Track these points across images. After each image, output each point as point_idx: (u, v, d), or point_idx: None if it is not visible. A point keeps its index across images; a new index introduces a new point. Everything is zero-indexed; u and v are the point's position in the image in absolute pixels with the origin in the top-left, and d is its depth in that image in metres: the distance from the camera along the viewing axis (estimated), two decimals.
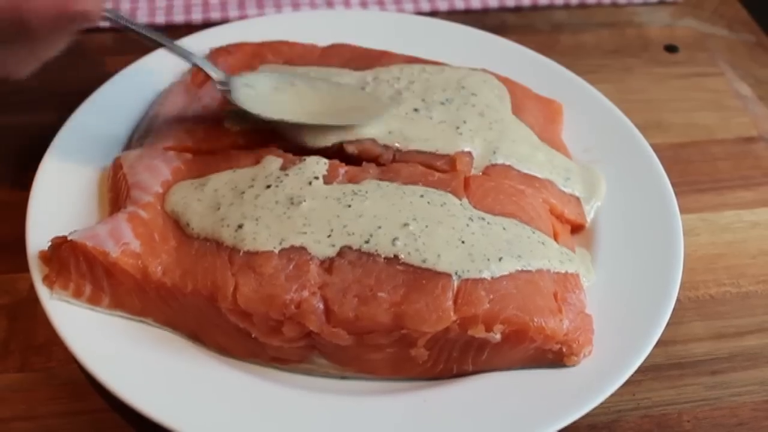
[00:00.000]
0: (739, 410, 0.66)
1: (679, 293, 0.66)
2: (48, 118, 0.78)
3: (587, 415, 0.60)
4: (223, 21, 0.96)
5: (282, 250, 0.62)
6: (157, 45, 0.71)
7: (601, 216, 0.73)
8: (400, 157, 0.70)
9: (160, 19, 0.98)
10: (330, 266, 0.61)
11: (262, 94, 0.72)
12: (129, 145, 0.75)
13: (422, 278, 0.61)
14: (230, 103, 0.72)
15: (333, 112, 0.72)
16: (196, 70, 0.80)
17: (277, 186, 0.66)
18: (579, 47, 0.99)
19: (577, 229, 0.72)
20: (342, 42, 0.82)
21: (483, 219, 0.65)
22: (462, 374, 0.63)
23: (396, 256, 0.61)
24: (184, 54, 0.72)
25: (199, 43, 0.84)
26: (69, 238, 0.62)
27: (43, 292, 0.63)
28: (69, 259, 0.62)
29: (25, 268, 0.64)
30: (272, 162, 0.68)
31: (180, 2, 1.01)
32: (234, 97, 0.71)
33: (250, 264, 0.61)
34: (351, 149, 0.70)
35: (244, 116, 0.72)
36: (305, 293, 0.60)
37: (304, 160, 0.68)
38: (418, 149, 0.71)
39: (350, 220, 0.63)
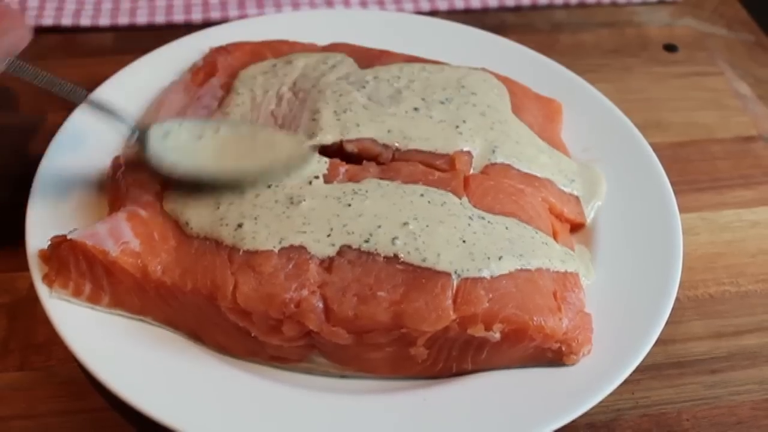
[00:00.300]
0: (738, 409, 0.66)
1: (678, 292, 0.66)
2: (48, 117, 0.78)
3: (586, 413, 0.60)
4: (223, 21, 0.97)
5: (281, 249, 0.62)
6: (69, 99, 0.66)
7: (600, 215, 0.73)
8: (400, 156, 0.70)
9: (160, 18, 0.99)
10: (330, 265, 0.61)
11: (179, 145, 0.69)
12: (128, 144, 0.75)
13: (422, 277, 0.61)
14: (143, 160, 0.67)
15: (250, 159, 0.69)
16: (197, 69, 0.80)
17: (276, 185, 0.66)
18: (578, 47, 0.99)
19: (576, 228, 0.73)
20: (342, 41, 0.82)
21: (483, 218, 0.65)
22: (461, 373, 0.63)
23: (396, 255, 0.61)
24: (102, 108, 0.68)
25: (199, 43, 0.84)
26: (68, 237, 0.62)
27: (42, 291, 0.63)
28: (69, 258, 0.62)
29: (24, 267, 0.64)
30: None
31: (180, 2, 1.01)
32: (148, 152, 0.67)
33: (250, 263, 0.61)
34: (351, 148, 0.70)
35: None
36: (305, 292, 0.60)
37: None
38: (418, 148, 0.71)
39: (350, 220, 0.63)
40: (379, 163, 0.69)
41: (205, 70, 0.80)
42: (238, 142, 0.70)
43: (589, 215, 0.73)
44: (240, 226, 0.63)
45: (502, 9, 1.04)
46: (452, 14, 1.01)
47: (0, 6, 0.53)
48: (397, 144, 0.71)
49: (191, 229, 0.64)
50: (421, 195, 0.66)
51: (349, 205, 0.64)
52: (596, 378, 0.61)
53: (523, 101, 0.78)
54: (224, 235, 0.63)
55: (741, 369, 0.69)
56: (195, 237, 0.63)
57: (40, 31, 0.96)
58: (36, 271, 0.64)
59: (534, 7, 1.04)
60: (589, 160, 0.77)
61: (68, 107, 0.76)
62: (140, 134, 0.68)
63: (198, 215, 0.64)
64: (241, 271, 0.61)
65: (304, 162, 0.68)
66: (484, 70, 0.79)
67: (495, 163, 0.70)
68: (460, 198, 0.66)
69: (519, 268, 0.62)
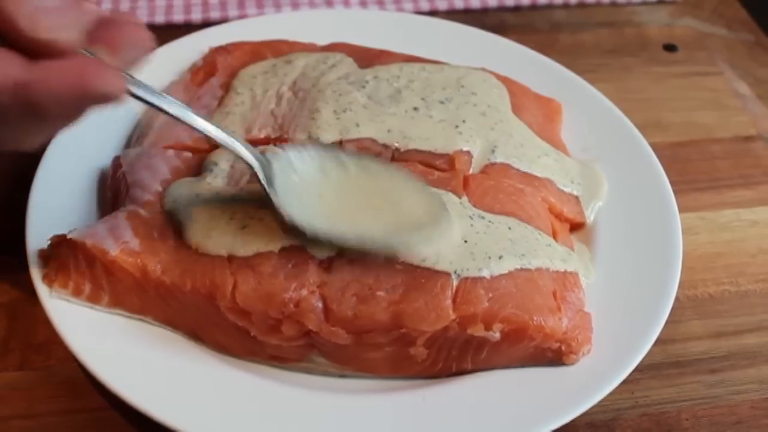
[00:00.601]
0: (738, 408, 0.66)
1: (677, 292, 0.66)
2: None
3: (586, 413, 0.60)
4: (223, 20, 0.97)
5: (281, 249, 0.62)
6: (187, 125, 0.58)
7: (599, 215, 0.73)
8: (400, 156, 0.70)
9: (160, 18, 0.99)
10: (329, 265, 0.61)
11: (306, 182, 0.61)
12: (129, 144, 0.75)
13: (421, 277, 0.60)
14: (266, 199, 0.60)
15: (378, 215, 0.61)
16: (197, 69, 0.80)
17: None
18: (578, 46, 0.99)
19: (576, 227, 0.73)
20: (341, 41, 0.82)
21: (483, 218, 0.65)
22: (461, 373, 0.63)
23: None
24: (223, 141, 0.59)
25: (198, 43, 0.84)
26: (68, 237, 0.62)
27: (42, 290, 0.63)
28: (68, 258, 0.62)
29: (24, 266, 0.64)
30: None
31: (179, 2, 1.01)
32: (272, 194, 0.59)
33: (249, 263, 0.61)
34: (350, 147, 0.70)
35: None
36: (304, 292, 0.60)
37: None
38: (418, 148, 0.71)
39: None
40: None
41: (204, 70, 0.80)
42: (364, 188, 0.62)
43: (590, 216, 0.73)
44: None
45: (502, 9, 1.04)
46: (452, 14, 1.01)
47: (119, 15, 0.49)
48: (396, 144, 0.71)
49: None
50: None
51: None
52: (596, 377, 0.61)
53: (523, 101, 0.78)
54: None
55: (740, 368, 0.69)
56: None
57: None
58: (36, 270, 0.64)
59: (533, 7, 1.04)
60: (589, 160, 0.77)
61: None
62: (264, 168, 0.60)
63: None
64: (241, 270, 0.61)
65: (440, 228, 0.61)
66: (483, 69, 0.79)
67: (495, 163, 0.70)
68: (459, 197, 0.66)
69: (519, 267, 0.62)
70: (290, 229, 0.60)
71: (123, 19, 0.49)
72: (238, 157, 0.60)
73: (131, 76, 0.51)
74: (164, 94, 0.55)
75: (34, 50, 0.45)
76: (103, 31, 0.47)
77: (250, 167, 0.60)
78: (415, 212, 0.61)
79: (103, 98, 0.47)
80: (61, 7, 0.45)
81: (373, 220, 0.60)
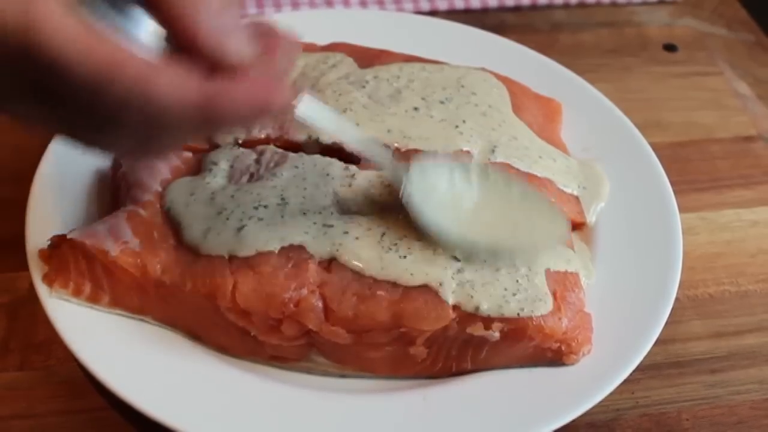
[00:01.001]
0: (738, 409, 0.66)
1: (678, 292, 0.66)
2: None
3: (586, 413, 0.60)
4: None
5: (281, 249, 0.62)
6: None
7: (599, 215, 0.73)
8: (400, 156, 0.70)
9: None
10: (329, 265, 0.61)
11: (436, 191, 0.62)
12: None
13: None
14: (402, 199, 0.61)
15: (502, 226, 0.63)
16: None
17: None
18: (578, 46, 0.99)
19: (576, 227, 0.73)
20: (341, 41, 0.82)
21: None
22: (461, 372, 0.63)
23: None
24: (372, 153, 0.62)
25: None
26: (68, 237, 0.62)
27: (42, 290, 0.63)
28: (68, 258, 0.62)
29: (24, 266, 0.64)
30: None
31: None
32: (408, 197, 0.61)
33: (249, 263, 0.61)
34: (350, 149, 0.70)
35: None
36: (304, 292, 0.60)
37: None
38: (418, 148, 0.71)
39: None
40: None
41: None
42: (496, 201, 0.64)
43: (592, 217, 0.73)
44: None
45: (502, 9, 1.04)
46: (452, 14, 1.01)
47: (266, 24, 0.49)
48: (396, 144, 0.71)
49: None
50: None
51: None
52: (596, 378, 0.61)
53: (523, 101, 0.78)
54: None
55: (741, 369, 0.69)
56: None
57: None
58: (36, 270, 0.64)
59: (533, 7, 1.04)
60: (590, 159, 0.77)
61: None
62: (398, 173, 0.62)
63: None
64: (241, 270, 0.61)
65: (557, 245, 0.64)
66: (483, 69, 0.79)
67: (495, 163, 0.70)
68: None
69: None
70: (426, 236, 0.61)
71: (272, 29, 0.49)
72: (382, 171, 0.64)
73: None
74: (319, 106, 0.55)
75: (212, 65, 0.45)
76: (266, 44, 0.48)
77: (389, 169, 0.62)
78: (542, 228, 0.64)
79: (276, 112, 0.48)
80: (238, 25, 0.46)
81: (504, 231, 0.63)
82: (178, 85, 0.43)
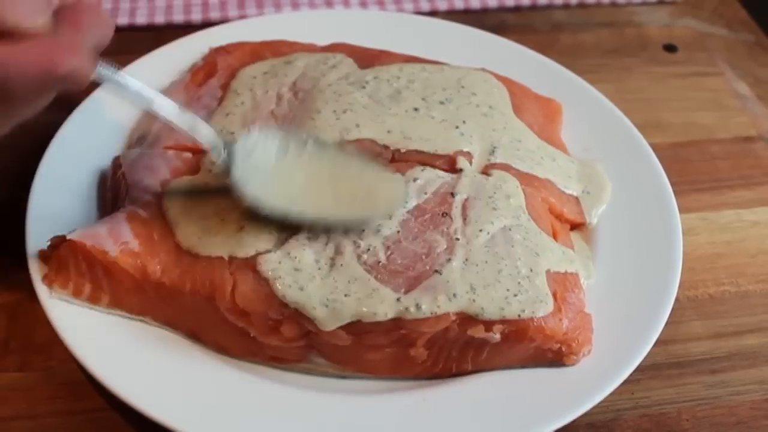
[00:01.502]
0: (738, 409, 0.66)
1: (678, 292, 0.66)
2: (48, 116, 0.78)
3: (586, 414, 0.60)
4: (223, 21, 0.96)
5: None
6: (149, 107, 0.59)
7: (600, 215, 0.73)
8: (400, 156, 0.70)
9: (160, 18, 0.98)
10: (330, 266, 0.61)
11: (264, 166, 0.62)
12: (129, 144, 0.75)
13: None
14: (228, 184, 0.61)
15: (340, 195, 0.63)
16: (197, 69, 0.80)
17: None
18: (578, 47, 0.99)
19: (576, 227, 0.73)
20: (341, 41, 0.82)
21: None
22: (461, 373, 0.63)
23: None
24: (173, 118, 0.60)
25: (198, 44, 0.84)
26: (68, 238, 0.62)
27: (42, 291, 0.63)
28: (68, 259, 0.62)
29: (24, 267, 0.64)
30: None
31: (179, 2, 1.01)
32: (233, 178, 0.61)
33: (249, 263, 0.61)
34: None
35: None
36: None
37: None
38: (418, 149, 0.71)
39: None
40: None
41: (204, 70, 0.80)
42: (325, 169, 0.64)
43: (594, 220, 0.73)
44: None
45: (502, 9, 1.04)
46: (452, 14, 1.01)
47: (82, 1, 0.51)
48: (397, 144, 0.71)
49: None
50: None
51: None
52: (596, 378, 0.61)
53: (523, 101, 0.78)
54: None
55: (741, 369, 0.69)
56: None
57: None
58: (36, 271, 0.64)
59: (533, 8, 1.04)
60: (591, 160, 0.77)
61: (69, 107, 0.76)
62: (226, 151, 0.62)
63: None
64: (240, 271, 0.61)
65: (400, 205, 0.64)
66: (484, 70, 0.79)
67: (495, 164, 0.70)
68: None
69: None
70: (247, 209, 0.62)
71: (85, 3, 0.50)
72: (196, 138, 0.61)
73: (98, 58, 0.52)
74: (127, 75, 0.56)
75: (1, 32, 0.45)
76: (68, 13, 0.48)
77: (212, 145, 0.62)
78: (376, 191, 0.64)
79: (70, 78, 0.48)
80: None
81: (334, 199, 0.63)
82: None
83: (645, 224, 0.71)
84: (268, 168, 0.63)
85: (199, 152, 0.71)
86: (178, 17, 0.99)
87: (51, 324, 0.62)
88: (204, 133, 0.61)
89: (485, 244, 0.63)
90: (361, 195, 0.64)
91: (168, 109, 0.59)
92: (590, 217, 0.72)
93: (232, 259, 0.61)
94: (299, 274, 0.60)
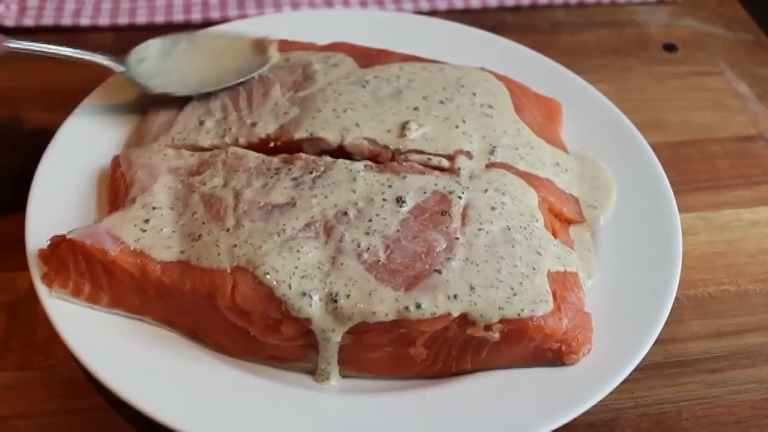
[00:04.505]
0: (738, 408, 0.66)
1: (677, 292, 0.66)
2: (48, 116, 0.78)
3: (586, 413, 0.60)
4: (223, 20, 0.97)
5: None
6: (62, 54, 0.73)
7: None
8: (400, 156, 0.70)
9: (160, 18, 0.99)
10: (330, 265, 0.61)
11: (154, 64, 0.77)
12: (128, 143, 0.75)
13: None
14: (132, 83, 0.75)
15: (216, 71, 0.77)
16: None
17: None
18: (578, 46, 0.99)
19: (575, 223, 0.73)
20: (341, 41, 0.82)
21: None
22: (461, 373, 0.63)
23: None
24: (83, 56, 0.74)
25: None
26: (68, 237, 0.62)
27: (42, 290, 0.63)
28: (68, 258, 0.62)
29: (24, 266, 0.64)
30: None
31: (179, 2, 1.01)
32: (131, 76, 0.75)
33: (249, 263, 0.61)
34: (350, 148, 0.70)
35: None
36: None
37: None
38: (418, 148, 0.71)
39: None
40: (378, 163, 0.70)
41: None
42: (200, 53, 0.79)
43: (599, 224, 0.72)
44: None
45: (502, 9, 1.04)
46: (451, 14, 1.02)
47: None
48: (397, 143, 0.71)
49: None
50: None
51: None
52: (596, 377, 0.61)
53: (523, 101, 0.78)
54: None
55: (740, 368, 0.69)
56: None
57: (40, 31, 0.96)
58: (36, 270, 0.64)
59: (533, 7, 1.04)
60: (592, 159, 0.77)
61: (68, 107, 0.76)
62: (122, 64, 0.76)
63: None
64: (240, 270, 0.61)
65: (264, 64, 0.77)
66: (483, 69, 0.79)
67: (495, 163, 0.70)
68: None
69: None
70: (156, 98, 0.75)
71: None
72: (91, 62, 0.75)
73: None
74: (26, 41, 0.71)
75: None
76: None
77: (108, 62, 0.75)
78: (242, 56, 0.79)
79: None
80: None
81: (214, 74, 0.77)
82: None
83: (645, 223, 0.71)
84: (158, 66, 0.77)
85: (198, 150, 0.71)
86: (178, 17, 0.99)
87: (51, 323, 0.62)
88: (101, 58, 0.76)
89: (485, 243, 0.63)
90: (230, 65, 0.78)
91: (67, 50, 0.74)
92: (596, 224, 0.72)
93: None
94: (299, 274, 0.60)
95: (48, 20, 0.97)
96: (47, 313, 0.62)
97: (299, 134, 0.71)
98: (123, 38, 0.96)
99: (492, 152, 0.71)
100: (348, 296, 0.59)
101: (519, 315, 0.60)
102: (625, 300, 0.66)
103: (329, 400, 0.61)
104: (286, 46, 0.82)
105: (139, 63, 0.77)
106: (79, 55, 0.74)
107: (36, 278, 0.63)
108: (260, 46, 0.80)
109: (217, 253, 0.61)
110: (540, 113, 0.79)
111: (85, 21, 0.98)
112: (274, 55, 0.79)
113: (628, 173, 0.76)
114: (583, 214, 0.73)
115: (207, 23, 0.96)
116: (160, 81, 0.76)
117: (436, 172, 0.68)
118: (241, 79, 0.76)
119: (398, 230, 0.63)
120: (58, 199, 0.70)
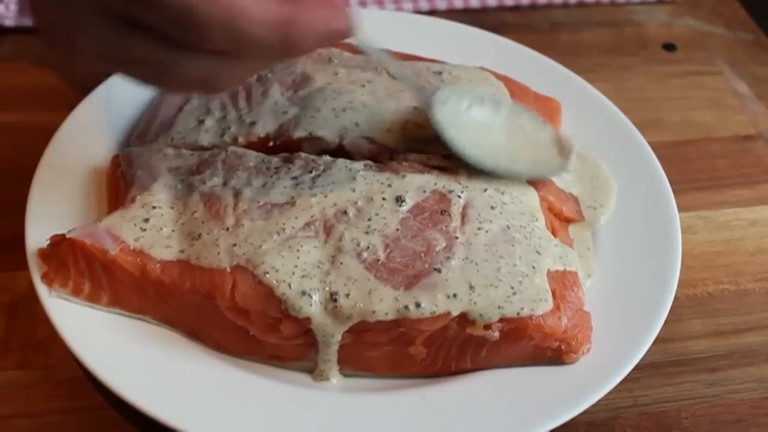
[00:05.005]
0: (738, 407, 0.66)
1: (677, 291, 0.66)
2: (47, 115, 0.78)
3: (586, 412, 0.60)
4: None
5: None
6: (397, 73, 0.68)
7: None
8: (399, 156, 0.70)
9: None
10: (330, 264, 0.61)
11: (455, 114, 0.70)
12: (128, 143, 0.75)
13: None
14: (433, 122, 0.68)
15: (509, 151, 0.70)
16: None
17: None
18: (577, 46, 0.99)
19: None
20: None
21: None
22: (461, 372, 0.63)
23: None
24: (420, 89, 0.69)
25: None
26: (68, 236, 0.62)
27: (42, 289, 0.63)
28: (68, 257, 0.62)
29: (24, 265, 0.64)
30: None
31: None
32: (434, 118, 0.68)
33: (249, 262, 0.61)
34: (350, 147, 0.70)
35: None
36: None
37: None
38: (417, 147, 0.71)
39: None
40: (378, 162, 0.70)
41: None
42: (503, 127, 0.71)
43: (598, 224, 0.72)
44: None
45: (501, 8, 1.04)
46: (451, 14, 1.02)
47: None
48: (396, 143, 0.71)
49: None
50: None
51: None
52: (596, 376, 0.61)
53: (523, 100, 0.78)
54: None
55: (740, 367, 0.69)
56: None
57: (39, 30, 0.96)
58: (35, 269, 0.64)
59: (533, 7, 1.04)
60: (592, 158, 0.77)
61: (68, 106, 0.76)
62: (426, 98, 0.69)
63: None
64: (240, 269, 0.61)
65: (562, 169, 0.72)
66: (483, 69, 0.79)
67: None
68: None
69: None
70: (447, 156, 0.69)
71: None
72: (416, 89, 0.70)
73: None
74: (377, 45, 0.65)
75: None
76: None
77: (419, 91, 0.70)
78: (541, 149, 0.72)
79: (344, 35, 0.51)
80: None
81: (508, 153, 0.70)
82: (260, 5, 0.45)
83: (644, 223, 0.71)
84: (462, 119, 0.70)
85: (198, 150, 0.71)
86: None
87: (50, 322, 0.62)
88: (419, 84, 0.70)
89: (485, 242, 0.63)
90: (529, 153, 0.71)
91: (397, 68, 0.69)
92: (596, 223, 0.72)
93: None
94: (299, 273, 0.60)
95: None
96: (47, 313, 0.62)
97: (298, 133, 0.71)
98: None
99: None
100: (347, 295, 0.59)
101: (518, 314, 0.60)
102: (625, 299, 0.66)
103: (329, 399, 0.61)
104: None
105: (443, 104, 0.69)
106: (410, 80, 0.69)
107: (36, 277, 0.63)
108: (563, 145, 0.73)
109: (217, 252, 0.61)
110: (539, 112, 0.78)
111: None
112: (572, 163, 0.73)
113: (628, 172, 0.76)
114: (583, 213, 0.73)
115: None
116: (454, 133, 0.68)
117: (436, 172, 0.68)
118: (537, 176, 0.70)
119: (398, 229, 0.63)
120: (57, 198, 0.70)
